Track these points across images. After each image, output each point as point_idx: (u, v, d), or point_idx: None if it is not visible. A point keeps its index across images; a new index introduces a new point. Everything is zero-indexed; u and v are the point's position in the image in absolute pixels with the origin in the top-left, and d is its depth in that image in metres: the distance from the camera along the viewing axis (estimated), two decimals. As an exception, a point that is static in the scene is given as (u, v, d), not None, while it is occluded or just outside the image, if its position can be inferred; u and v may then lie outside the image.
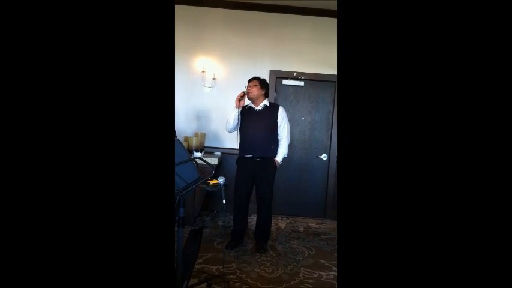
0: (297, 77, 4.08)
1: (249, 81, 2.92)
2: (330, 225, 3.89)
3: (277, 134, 2.89)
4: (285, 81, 4.10)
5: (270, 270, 2.50)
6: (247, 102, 2.92)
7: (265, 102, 2.90)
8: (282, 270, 2.51)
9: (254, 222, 3.11)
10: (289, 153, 3.05)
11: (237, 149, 2.99)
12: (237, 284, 2.25)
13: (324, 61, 4.08)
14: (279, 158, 2.88)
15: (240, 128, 2.89)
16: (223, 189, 1.95)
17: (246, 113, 2.86)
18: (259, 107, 2.88)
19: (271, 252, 2.87)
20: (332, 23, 4.07)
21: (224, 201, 2.00)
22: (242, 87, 3.01)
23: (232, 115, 2.84)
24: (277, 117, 2.87)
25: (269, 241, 3.02)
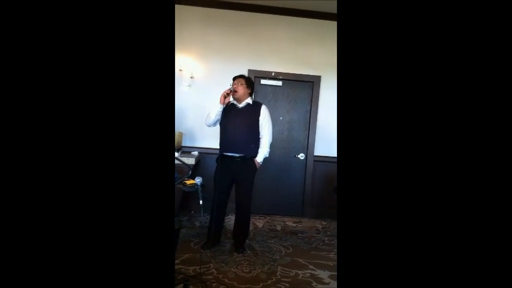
0: (275, 76, 4.10)
1: (234, 79, 2.88)
2: (307, 224, 3.94)
3: (258, 133, 2.87)
4: (263, 81, 4.12)
5: (248, 270, 2.51)
6: (231, 99, 2.89)
7: (249, 100, 2.88)
8: (259, 270, 2.53)
9: (231, 222, 3.11)
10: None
11: (215, 148, 2.97)
12: (214, 284, 2.24)
13: (302, 61, 4.13)
14: (259, 158, 2.86)
15: (220, 125, 2.87)
16: (200, 189, 1.94)
17: (227, 110, 2.82)
18: (241, 105, 2.86)
19: (249, 252, 2.87)
20: (310, 24, 4.11)
21: (201, 202, 1.99)
22: (220, 85, 2.99)
23: (215, 110, 2.80)
24: (259, 115, 2.85)
25: (247, 240, 3.03)
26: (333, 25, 4.13)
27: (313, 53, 4.14)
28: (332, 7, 3.96)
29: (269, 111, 2.98)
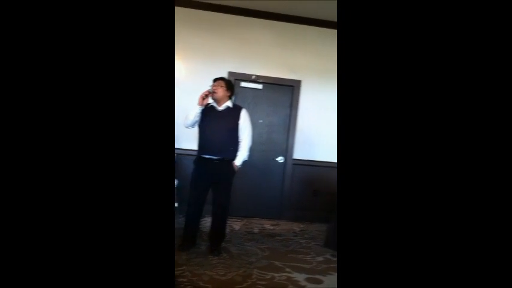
0: (255, 79, 4.10)
1: (215, 80, 2.87)
2: (285, 226, 3.95)
3: (237, 136, 2.86)
4: (243, 84, 4.12)
5: (223, 273, 2.49)
6: (210, 101, 2.87)
7: (229, 103, 2.87)
8: (235, 272, 2.51)
9: (208, 224, 3.08)
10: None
11: (193, 149, 2.94)
12: (188, 287, 2.21)
13: (283, 65, 4.15)
14: (237, 162, 2.84)
15: (199, 127, 2.85)
16: (175, 191, 1.92)
17: (207, 112, 2.81)
18: (221, 107, 2.85)
19: (225, 254, 2.85)
20: (292, 28, 4.15)
21: (176, 204, 1.97)
22: (200, 87, 2.97)
23: (193, 112, 2.78)
24: (238, 119, 2.85)
25: (223, 243, 3.00)
26: (314, 30, 4.18)
27: (294, 57, 4.17)
28: (314, 13, 4.02)
29: (249, 113, 2.98)
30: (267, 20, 4.10)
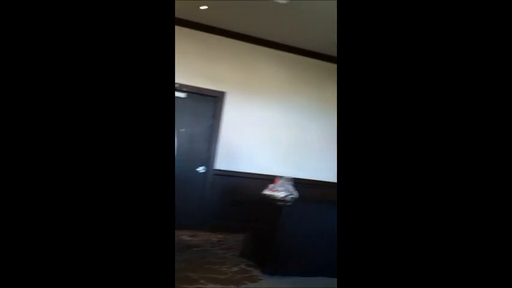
0: (179, 88, 4.07)
1: None
2: (203, 237, 3.94)
3: None
4: (165, 92, 4.05)
5: (133, 287, 2.39)
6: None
7: None
8: (147, 287, 2.43)
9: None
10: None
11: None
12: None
13: (207, 76, 4.19)
14: None
15: None
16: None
17: None
18: None
19: (137, 268, 2.74)
20: (220, 41, 4.22)
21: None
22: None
23: None
24: None
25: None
26: (241, 45, 4.31)
27: (220, 69, 4.24)
28: (242, 28, 4.15)
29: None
30: (193, 30, 4.12)
